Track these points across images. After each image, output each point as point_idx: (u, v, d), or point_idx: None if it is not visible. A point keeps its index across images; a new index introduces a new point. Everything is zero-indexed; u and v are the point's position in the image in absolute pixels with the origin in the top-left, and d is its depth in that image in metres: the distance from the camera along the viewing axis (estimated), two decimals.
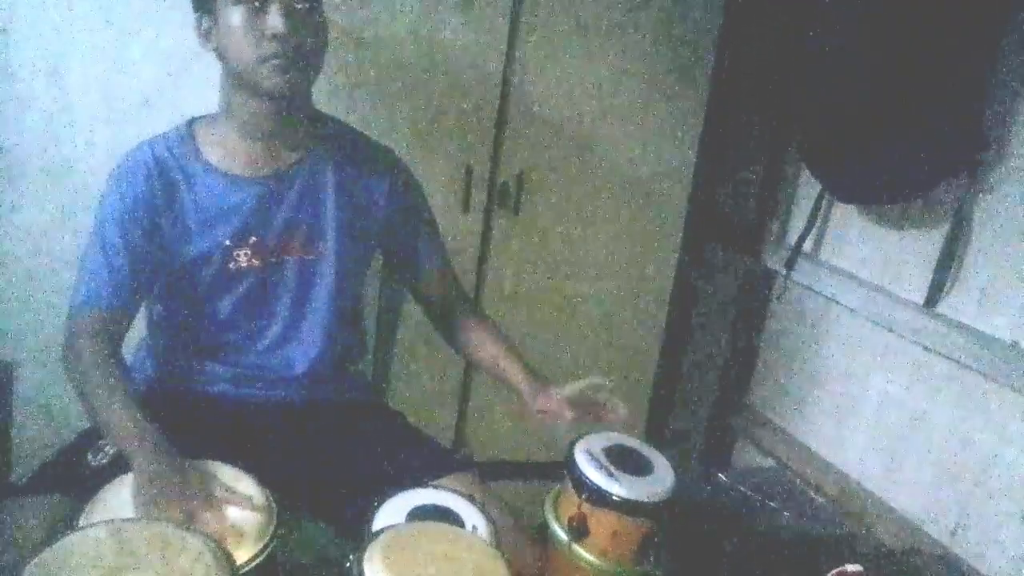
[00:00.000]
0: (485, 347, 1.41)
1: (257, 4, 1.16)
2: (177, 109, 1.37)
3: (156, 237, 1.25)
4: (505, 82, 1.91)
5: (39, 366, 1.69)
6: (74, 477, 1.14)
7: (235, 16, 1.17)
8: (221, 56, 1.22)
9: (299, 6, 1.18)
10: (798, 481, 1.87)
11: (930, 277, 1.62)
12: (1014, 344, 1.48)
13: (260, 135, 1.27)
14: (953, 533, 1.56)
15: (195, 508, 0.99)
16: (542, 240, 2.05)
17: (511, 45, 1.89)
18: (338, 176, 1.33)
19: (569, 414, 1.22)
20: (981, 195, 1.55)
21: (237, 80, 1.22)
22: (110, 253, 1.23)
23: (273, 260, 1.30)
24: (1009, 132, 1.51)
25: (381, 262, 1.55)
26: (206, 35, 1.23)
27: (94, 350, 1.18)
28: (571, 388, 1.24)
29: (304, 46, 1.19)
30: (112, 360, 1.18)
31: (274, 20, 1.16)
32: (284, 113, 1.26)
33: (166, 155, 1.26)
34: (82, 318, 1.21)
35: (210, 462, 1.10)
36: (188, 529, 0.92)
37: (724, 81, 2.08)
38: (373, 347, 1.64)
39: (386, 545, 0.94)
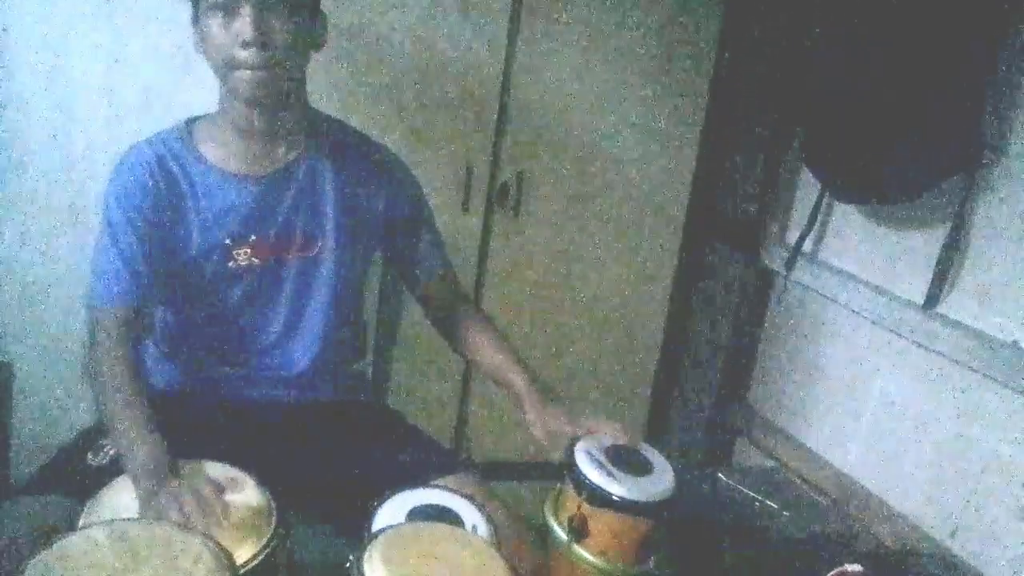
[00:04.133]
0: (486, 350, 1.41)
1: (229, 10, 1.16)
2: (177, 109, 1.37)
3: (161, 234, 1.25)
4: (505, 82, 1.91)
5: (39, 366, 1.69)
6: (74, 477, 1.14)
7: (212, 23, 1.17)
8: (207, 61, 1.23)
9: (271, 10, 1.17)
10: (798, 481, 1.87)
11: (930, 277, 1.62)
12: (1014, 344, 1.47)
13: (255, 134, 1.27)
14: (953, 533, 1.56)
15: (189, 510, 0.99)
16: (542, 240, 2.05)
17: (511, 45, 1.89)
18: (337, 175, 1.33)
19: (557, 446, 1.23)
20: (981, 195, 1.55)
21: (221, 83, 1.23)
22: (124, 250, 1.22)
23: (273, 259, 1.30)
24: (1009, 132, 1.51)
25: (381, 262, 1.55)
26: (200, 38, 1.22)
27: (117, 354, 1.18)
28: (559, 423, 1.25)
29: (277, 52, 1.18)
30: (131, 369, 1.18)
31: (243, 27, 1.15)
32: (268, 114, 1.26)
33: (166, 154, 1.26)
34: (105, 318, 1.21)
35: (209, 462, 1.10)
36: (188, 529, 0.92)
37: (724, 81, 2.08)
38: (373, 347, 1.64)
39: (386, 545, 0.94)
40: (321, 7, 1.28)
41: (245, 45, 1.16)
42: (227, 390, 1.34)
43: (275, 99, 1.23)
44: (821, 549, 1.57)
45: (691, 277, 2.25)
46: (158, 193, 1.24)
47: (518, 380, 1.33)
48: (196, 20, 1.22)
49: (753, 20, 2.05)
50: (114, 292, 1.22)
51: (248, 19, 1.15)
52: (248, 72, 1.17)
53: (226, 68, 1.18)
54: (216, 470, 1.08)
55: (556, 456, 1.22)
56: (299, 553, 1.14)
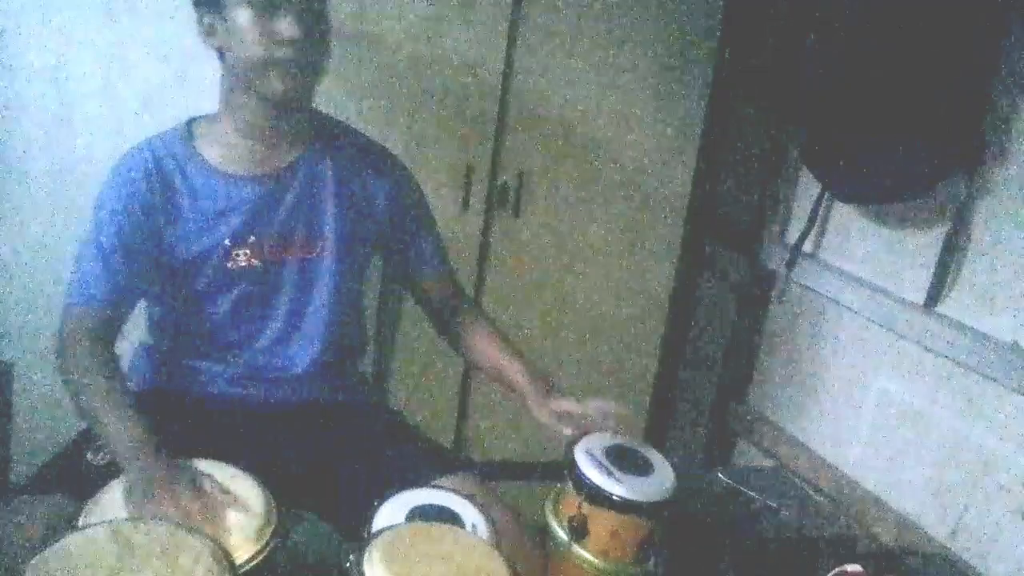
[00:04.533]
0: (486, 349, 1.41)
1: (270, 7, 1.16)
2: (177, 109, 1.37)
3: (153, 237, 1.25)
4: (505, 82, 1.91)
5: (39, 366, 1.69)
6: (74, 477, 1.14)
7: (246, 17, 1.16)
8: (225, 55, 1.22)
9: (310, 10, 1.18)
10: (798, 481, 1.87)
11: (930, 277, 1.62)
12: (1014, 344, 1.47)
13: (259, 134, 1.27)
14: (953, 533, 1.56)
15: (187, 507, 0.99)
16: (542, 240, 2.05)
17: (511, 45, 1.89)
18: (337, 176, 1.33)
19: (567, 430, 1.23)
20: (981, 195, 1.55)
21: (240, 80, 1.22)
22: (106, 252, 1.23)
23: (272, 260, 1.30)
24: (1009, 132, 1.51)
25: (381, 262, 1.55)
26: (208, 32, 1.22)
27: (88, 350, 1.18)
28: (566, 405, 1.24)
29: (313, 51, 1.20)
30: (105, 360, 1.18)
31: (288, 25, 1.15)
32: (284, 113, 1.26)
33: (164, 155, 1.26)
34: (77, 317, 1.21)
35: (209, 462, 1.10)
36: (188, 529, 0.92)
37: (724, 81, 2.08)
38: (373, 347, 1.64)
39: (386, 545, 0.94)
40: None
41: (286, 43, 1.16)
42: (227, 390, 1.34)
43: (303, 99, 1.23)
44: (821, 549, 1.57)
45: (691, 277, 2.25)
46: (152, 196, 1.24)
47: (519, 374, 1.33)
48: (210, 11, 1.20)
49: (753, 20, 2.05)
50: (90, 293, 1.22)
51: (292, 18, 1.15)
52: (285, 71, 1.17)
53: (260, 66, 1.18)
54: (216, 470, 1.08)
55: (567, 433, 1.22)
56: (299, 553, 1.14)
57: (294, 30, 1.15)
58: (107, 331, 1.22)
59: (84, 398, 1.14)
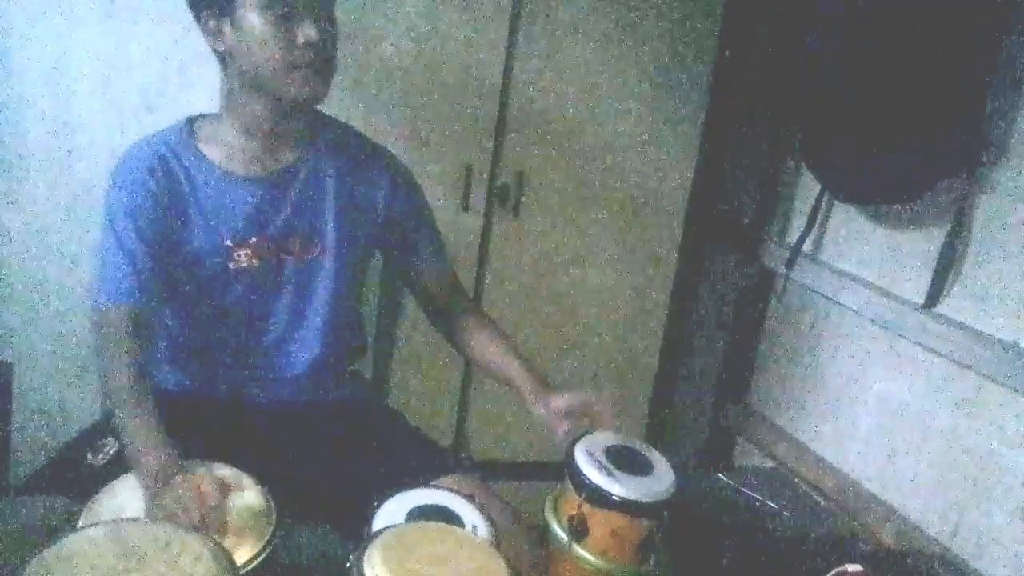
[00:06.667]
0: (486, 347, 1.41)
1: (287, 11, 1.16)
2: (177, 109, 1.37)
3: (165, 230, 1.25)
4: (505, 82, 1.91)
5: (39, 366, 1.69)
6: (74, 477, 1.14)
7: (261, 22, 1.16)
8: (235, 58, 1.20)
9: (326, 12, 1.20)
10: (798, 481, 1.87)
11: (930, 277, 1.61)
12: (1014, 344, 1.47)
13: (262, 135, 1.27)
14: (953, 533, 1.56)
15: (195, 517, 0.98)
16: (542, 240, 2.05)
17: (511, 45, 1.89)
18: (338, 176, 1.33)
19: (565, 426, 1.23)
20: (981, 195, 1.55)
21: (251, 83, 1.21)
22: (129, 248, 1.21)
23: (273, 260, 1.30)
24: (1009, 132, 1.51)
25: (381, 262, 1.55)
26: (215, 34, 1.21)
27: (123, 352, 1.16)
28: (567, 399, 1.24)
29: (331, 52, 1.21)
30: (136, 362, 1.16)
31: (308, 29, 1.16)
32: (289, 115, 1.26)
33: (167, 153, 1.26)
34: (113, 317, 1.19)
35: (209, 462, 1.10)
36: (188, 529, 0.92)
37: (724, 81, 2.08)
38: (373, 347, 1.64)
39: (386, 545, 0.94)
40: None
41: (306, 47, 1.16)
42: (227, 390, 1.34)
43: (318, 101, 1.23)
44: (821, 549, 1.57)
45: (691, 277, 2.25)
46: (159, 192, 1.24)
47: (517, 371, 1.33)
48: (217, 14, 1.19)
49: (753, 20, 2.05)
50: (121, 290, 1.20)
51: (310, 21, 1.16)
52: (307, 74, 1.18)
53: (280, 70, 1.18)
54: (216, 470, 1.08)
55: (563, 433, 1.22)
56: (299, 553, 1.14)
57: (313, 33, 1.16)
58: (145, 328, 1.20)
59: (115, 407, 1.13)
